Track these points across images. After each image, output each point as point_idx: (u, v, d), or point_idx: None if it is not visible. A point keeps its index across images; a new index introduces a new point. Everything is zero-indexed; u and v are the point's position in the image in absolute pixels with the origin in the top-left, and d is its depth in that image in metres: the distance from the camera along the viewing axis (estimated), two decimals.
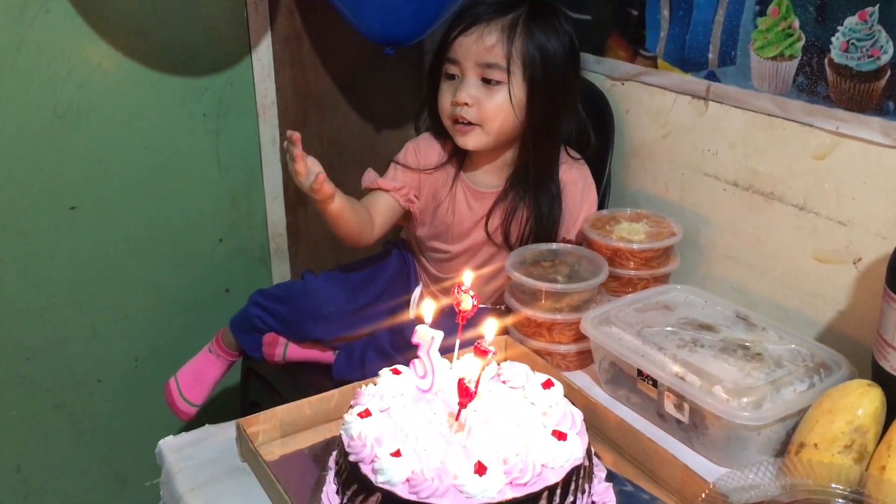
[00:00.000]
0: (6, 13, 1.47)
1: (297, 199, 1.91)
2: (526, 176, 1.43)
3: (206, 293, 1.85)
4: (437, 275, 1.55)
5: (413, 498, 0.83)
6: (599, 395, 1.18)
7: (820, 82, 1.17)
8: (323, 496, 0.94)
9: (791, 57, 1.20)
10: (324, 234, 1.93)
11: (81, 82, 1.57)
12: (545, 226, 1.43)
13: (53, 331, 1.67)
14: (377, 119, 1.97)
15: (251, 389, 1.60)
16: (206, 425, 1.11)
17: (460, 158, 1.49)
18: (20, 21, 1.48)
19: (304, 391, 1.43)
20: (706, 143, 1.37)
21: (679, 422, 1.06)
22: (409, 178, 1.49)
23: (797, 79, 1.20)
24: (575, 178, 1.45)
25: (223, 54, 1.71)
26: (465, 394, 0.86)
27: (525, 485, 0.84)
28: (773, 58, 1.22)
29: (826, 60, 1.15)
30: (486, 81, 1.35)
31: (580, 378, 1.22)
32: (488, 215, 1.45)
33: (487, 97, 1.35)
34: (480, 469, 0.84)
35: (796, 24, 1.18)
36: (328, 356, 1.47)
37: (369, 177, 1.51)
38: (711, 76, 1.33)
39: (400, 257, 1.58)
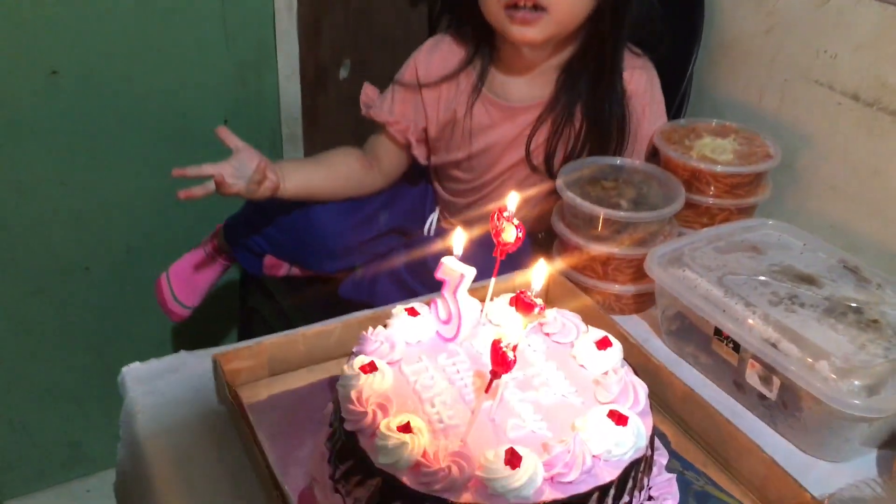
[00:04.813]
0: None
1: (317, 78, 1.67)
2: (581, 80, 1.13)
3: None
4: (458, 206, 1.29)
5: (422, 490, 0.64)
6: (659, 349, 0.97)
7: None
8: (312, 464, 0.76)
9: None
10: (346, 122, 1.72)
11: None
12: (604, 142, 1.15)
13: (35, 211, 1.51)
14: None
15: (250, 295, 1.43)
16: (182, 352, 0.92)
17: (480, 67, 1.18)
18: None
19: (306, 305, 1.26)
20: (823, 43, 1.12)
21: (763, 397, 0.85)
22: (409, 105, 1.21)
23: None
24: (641, 85, 1.16)
25: None
26: (501, 362, 0.65)
27: (571, 483, 0.65)
28: None
29: None
30: None
31: (636, 325, 1.01)
32: (531, 134, 1.16)
33: None
34: (514, 459, 0.64)
35: None
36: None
37: (364, 97, 1.23)
38: None
39: (421, 182, 1.34)
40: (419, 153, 1.24)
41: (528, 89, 1.17)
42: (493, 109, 1.18)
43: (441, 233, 1.28)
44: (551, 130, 1.14)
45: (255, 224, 1.28)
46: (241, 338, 1.50)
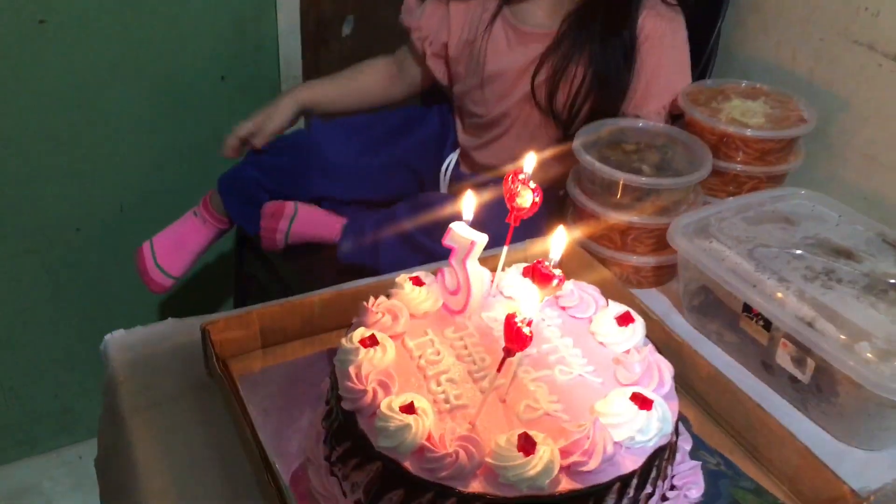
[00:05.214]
0: None
1: (318, 33, 1.59)
2: (591, 16, 1.09)
3: (203, 138, 1.59)
4: (473, 146, 1.26)
5: (427, 477, 0.58)
6: (679, 325, 0.90)
7: None
8: (307, 442, 0.70)
9: None
10: None
11: None
12: (607, 92, 1.10)
13: (23, 168, 1.44)
14: None
15: (246, 260, 1.36)
16: (169, 319, 0.86)
17: None
18: None
19: (306, 272, 1.19)
20: None
21: (794, 379, 0.79)
22: (436, 17, 1.23)
23: None
24: (661, 29, 1.10)
25: None
26: (516, 338, 0.58)
27: (590, 473, 0.59)
28: None
29: None
30: None
31: (655, 300, 0.95)
32: (538, 66, 1.12)
33: None
34: (527, 445, 0.58)
35: None
36: (336, 231, 1.20)
37: (405, 4, 1.25)
38: None
39: (440, 116, 1.30)
40: (434, 67, 1.25)
41: (543, 16, 1.15)
42: (510, 31, 1.16)
43: (458, 177, 1.26)
44: (556, 66, 1.11)
45: (253, 160, 1.23)
46: (237, 307, 1.44)
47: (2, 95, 1.36)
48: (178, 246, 1.30)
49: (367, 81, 1.31)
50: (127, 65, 1.45)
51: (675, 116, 1.08)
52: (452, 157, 1.28)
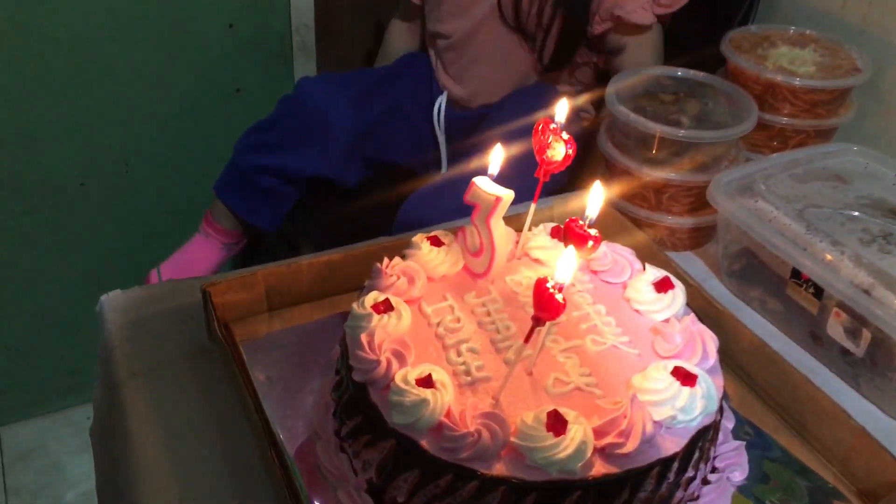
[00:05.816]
0: None
1: None
2: None
3: (211, 91, 1.52)
4: (452, 86, 1.21)
5: (445, 458, 0.52)
6: (717, 291, 0.84)
7: None
8: (314, 415, 0.64)
9: None
10: (361, 32, 1.57)
11: None
12: (576, 3, 1.04)
13: (21, 120, 1.38)
14: None
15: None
16: (169, 279, 0.81)
17: None
18: None
19: (317, 233, 1.14)
20: None
21: (846, 352, 0.72)
22: None
23: None
24: None
25: None
26: (547, 306, 0.52)
27: (627, 456, 0.53)
28: None
29: None
30: None
31: (690, 264, 0.88)
32: None
33: None
34: (557, 424, 0.52)
35: None
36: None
37: None
38: None
39: (422, 61, 1.27)
40: None
41: None
42: None
43: (451, 116, 1.22)
44: None
45: (244, 147, 1.16)
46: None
47: (1, 46, 1.30)
48: (184, 269, 1.22)
49: (396, 45, 1.32)
50: (131, 11, 1.37)
51: (713, 63, 0.99)
52: (442, 99, 1.23)
